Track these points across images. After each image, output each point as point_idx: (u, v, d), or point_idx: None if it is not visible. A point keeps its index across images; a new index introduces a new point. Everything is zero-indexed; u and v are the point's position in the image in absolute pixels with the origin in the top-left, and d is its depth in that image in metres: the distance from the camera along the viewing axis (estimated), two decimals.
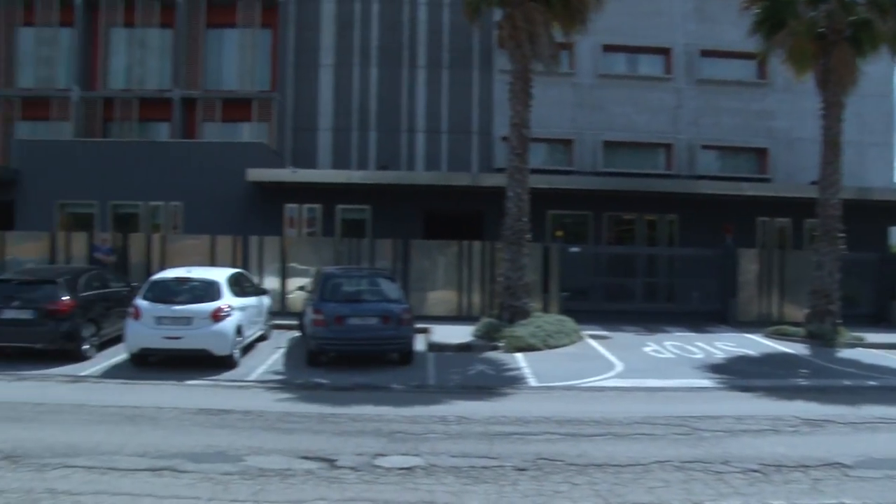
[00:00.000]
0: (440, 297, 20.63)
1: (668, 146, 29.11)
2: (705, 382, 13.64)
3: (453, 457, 8.44)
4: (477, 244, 20.91)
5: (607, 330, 18.91)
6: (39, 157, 25.32)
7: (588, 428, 9.94)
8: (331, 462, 8.14)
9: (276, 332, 17.73)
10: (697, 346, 17.34)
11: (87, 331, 14.72)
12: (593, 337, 18.02)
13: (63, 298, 14.26)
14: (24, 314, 14.17)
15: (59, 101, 29.32)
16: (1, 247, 20.87)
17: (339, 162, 28.55)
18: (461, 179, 24.96)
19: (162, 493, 7.13)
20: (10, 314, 14.16)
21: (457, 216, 26.44)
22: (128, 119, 29.35)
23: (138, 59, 29.91)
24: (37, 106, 29.51)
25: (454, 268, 20.66)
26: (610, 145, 28.92)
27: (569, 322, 17.83)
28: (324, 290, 14.70)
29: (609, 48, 28.94)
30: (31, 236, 21.69)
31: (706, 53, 29.12)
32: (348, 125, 29.07)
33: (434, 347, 16.39)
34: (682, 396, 12.48)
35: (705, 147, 29.15)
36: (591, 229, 26.29)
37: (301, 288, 18.53)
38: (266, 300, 17.28)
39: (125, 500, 6.95)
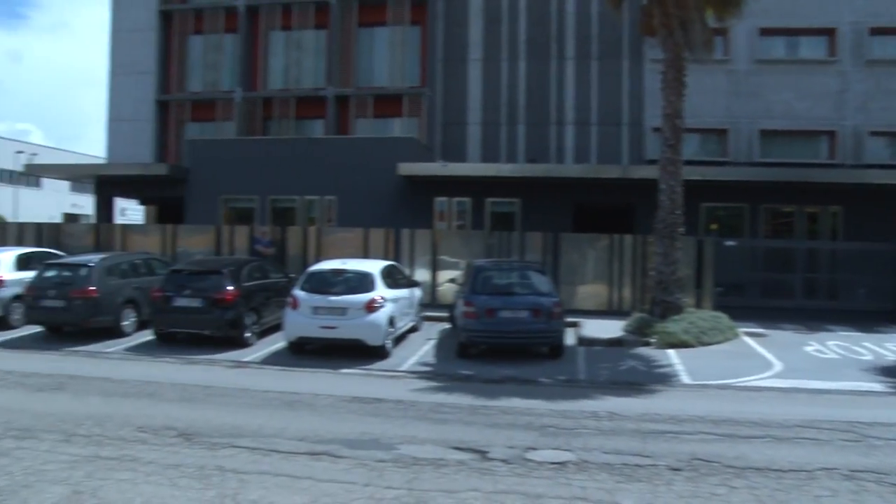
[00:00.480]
0: (590, 291, 20.30)
1: (831, 133, 27.36)
2: (875, 386, 12.66)
3: (606, 453, 8.26)
4: (628, 238, 20.42)
5: (764, 327, 17.98)
6: (206, 156, 26.81)
7: (745, 429, 9.48)
8: (482, 454, 8.14)
9: (426, 324, 17.94)
10: (865, 347, 16.18)
11: (249, 319, 15.47)
12: (749, 334, 17.19)
13: (228, 288, 15.05)
14: (194, 302, 15.08)
15: (223, 103, 30.94)
16: (173, 239, 22.26)
17: (489, 155, 28.63)
18: (611, 172, 24.45)
19: (320, 476, 7.34)
20: (181, 302, 15.13)
21: (607, 209, 25.97)
22: (285, 117, 30.57)
23: (295, 59, 31.08)
24: (204, 108, 31.28)
25: (604, 262, 20.28)
26: (767, 134, 27.51)
27: (724, 318, 17.11)
28: (475, 282, 14.74)
29: (767, 31, 27.49)
30: (198, 229, 23.02)
31: (876, 31, 27.07)
32: (497, 119, 29.09)
33: (584, 342, 16.15)
34: (849, 400, 11.65)
35: (874, 134, 27.17)
36: (747, 222, 25.14)
37: (452, 280, 18.71)
38: (417, 292, 17.54)
39: (286, 481, 7.20)
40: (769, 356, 14.89)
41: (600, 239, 20.53)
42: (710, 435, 9.19)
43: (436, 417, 9.91)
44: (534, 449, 8.38)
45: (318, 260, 18.89)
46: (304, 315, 14.15)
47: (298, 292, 14.48)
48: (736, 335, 16.80)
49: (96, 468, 7.48)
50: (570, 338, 15.96)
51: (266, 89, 31.23)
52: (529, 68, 29.09)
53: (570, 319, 16.75)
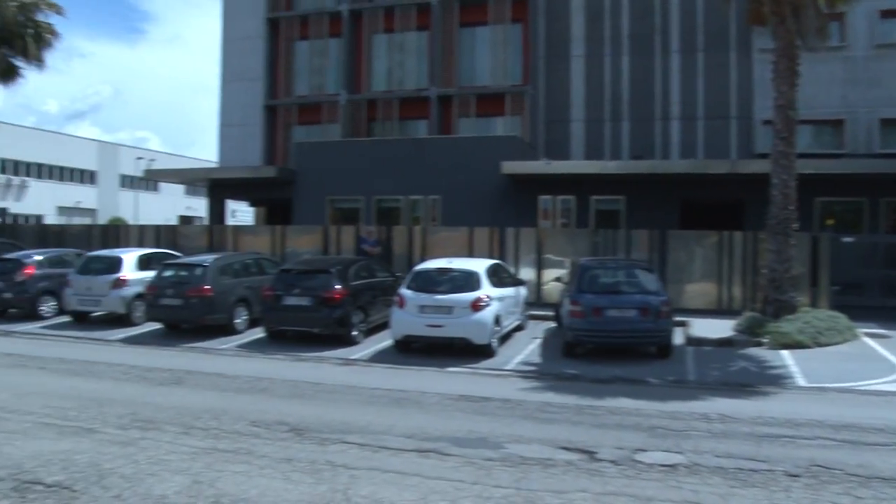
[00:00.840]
0: (698, 290, 19.80)
1: None
2: None
3: (718, 457, 8.03)
4: (738, 234, 19.80)
5: (886, 328, 17.10)
6: (312, 158, 27.49)
7: (869, 436, 9.02)
8: (591, 454, 8.06)
9: (532, 323, 17.88)
10: None
11: (356, 317, 15.76)
12: (870, 335, 16.37)
13: (336, 287, 15.38)
14: (303, 301, 15.49)
15: (328, 106, 31.66)
16: (282, 239, 22.91)
17: (592, 152, 28.34)
18: (719, 167, 23.80)
19: (429, 473, 7.41)
20: (291, 301, 15.56)
21: (715, 205, 25.29)
22: (389, 118, 31.04)
23: (398, 61, 31.51)
24: (310, 111, 32.10)
25: (713, 259, 19.73)
26: (889, 123, 26.19)
27: (842, 318, 16.36)
28: (581, 281, 14.60)
29: (888, 14, 26.14)
30: (306, 230, 23.62)
31: None
32: (600, 115, 28.77)
33: (692, 341, 15.78)
34: None
35: None
36: (866, 217, 24.04)
37: (557, 279, 18.60)
38: (523, 291, 17.51)
39: (395, 477, 7.30)
40: (893, 359, 14.18)
41: (709, 236, 20.00)
42: (830, 441, 8.79)
43: (542, 417, 9.87)
44: (643, 450, 8.25)
45: (423, 259, 19.07)
46: (411, 314, 14.32)
47: (405, 291, 14.67)
48: (855, 336, 16.06)
49: (214, 460, 7.76)
50: (678, 337, 15.60)
51: (370, 91, 31.77)
52: (633, 63, 28.64)
53: (678, 319, 16.39)
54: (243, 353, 15.14)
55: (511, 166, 24.34)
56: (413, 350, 14.85)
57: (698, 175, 23.82)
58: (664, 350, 14.24)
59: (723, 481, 7.28)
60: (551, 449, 8.25)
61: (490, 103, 29.86)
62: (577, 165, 25.75)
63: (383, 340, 15.70)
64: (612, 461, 7.85)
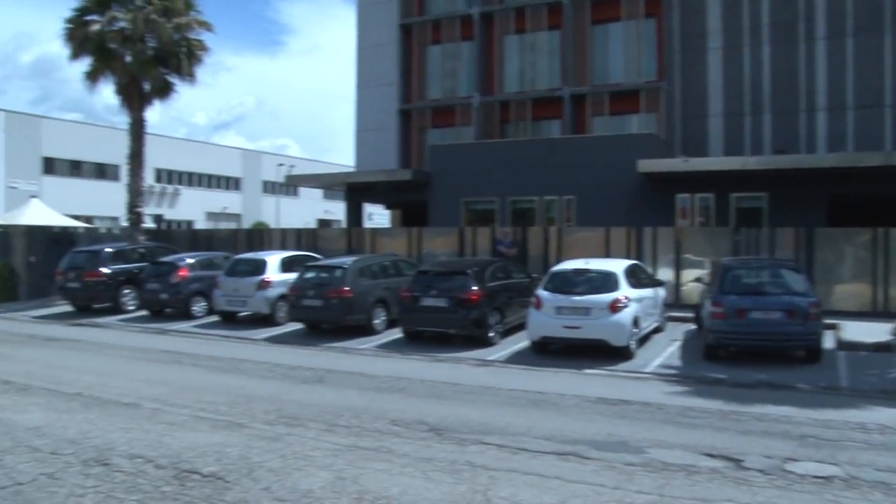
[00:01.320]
0: (849, 291, 18.77)
1: None
2: None
3: (879, 470, 7.54)
4: (894, 231, 18.66)
5: None
6: (447, 160, 27.82)
7: None
8: (737, 462, 7.79)
9: (670, 325, 17.49)
10: None
11: (492, 318, 15.84)
12: None
13: (473, 288, 15.52)
14: (440, 302, 15.70)
15: (461, 108, 31.97)
16: (418, 241, 23.32)
17: (732, 148, 27.40)
18: (872, 159, 22.43)
19: (569, 477, 7.36)
20: (428, 302, 15.81)
21: (867, 201, 23.91)
22: (522, 119, 31.02)
23: (529, 62, 31.46)
24: (444, 114, 32.50)
25: (866, 258, 18.65)
26: None
27: None
28: (723, 281, 14.12)
29: None
30: (441, 232, 23.95)
31: None
32: (740, 109, 27.78)
33: (844, 345, 14.97)
34: None
35: None
36: None
37: (697, 279, 18.09)
38: (661, 292, 17.14)
39: (535, 480, 7.27)
40: None
41: (861, 233, 18.92)
42: None
43: (684, 422, 9.62)
44: (793, 460, 7.89)
45: (559, 260, 18.98)
46: (548, 315, 14.28)
47: (542, 292, 14.63)
48: None
49: (356, 457, 7.94)
50: (828, 341, 14.85)
51: (502, 93, 31.87)
52: (774, 53, 27.49)
53: (827, 321, 15.61)
54: (382, 353, 15.49)
55: (647, 164, 23.85)
56: (549, 351, 14.81)
57: (848, 168, 22.56)
58: (813, 354, 13.57)
59: (885, 498, 6.82)
60: (694, 455, 8.04)
61: (624, 101, 29.36)
62: (716, 162, 24.92)
63: (520, 342, 15.72)
64: (759, 470, 7.55)
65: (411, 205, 31.31)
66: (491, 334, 15.76)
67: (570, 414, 10.11)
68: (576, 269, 15.12)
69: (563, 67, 30.46)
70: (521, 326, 15.97)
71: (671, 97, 28.49)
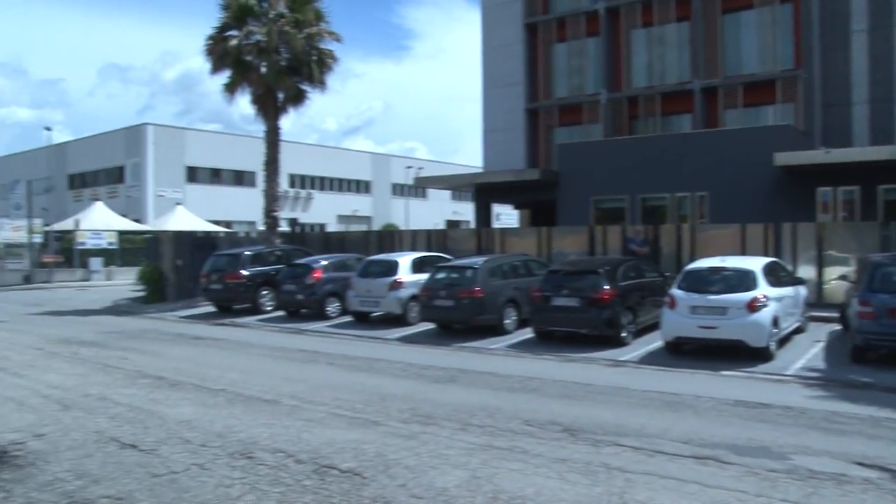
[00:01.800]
0: None
1: None
2: None
3: None
4: None
5: None
6: (575, 159, 27.59)
7: None
8: (893, 473, 7.38)
9: (812, 325, 16.70)
10: None
11: (625, 318, 15.57)
12: None
13: (605, 288, 15.32)
14: (572, 302, 15.58)
15: (589, 106, 31.63)
16: (548, 240, 23.20)
17: (879, 137, 25.85)
18: None
19: (708, 482, 7.15)
20: (559, 301, 15.73)
21: None
22: (651, 115, 30.41)
23: (658, 55, 30.80)
24: (571, 112, 32.26)
25: None
26: None
27: None
28: (872, 279, 13.25)
29: None
30: (571, 230, 23.74)
31: None
32: (888, 94, 26.20)
33: None
34: None
35: None
36: None
37: (842, 277, 17.21)
38: (802, 291, 16.36)
39: (672, 483, 7.11)
40: None
41: None
42: None
43: (831, 428, 9.16)
44: None
45: (692, 258, 18.44)
46: (682, 314, 13.90)
47: (676, 291, 14.26)
48: None
49: (490, 457, 7.95)
50: None
51: (630, 88, 31.33)
52: None
53: None
54: (513, 353, 15.47)
55: (785, 157, 22.87)
56: (684, 352, 14.43)
57: None
58: None
59: None
60: (844, 463, 7.64)
61: (758, 92, 28.26)
62: (861, 153, 23.59)
63: (653, 342, 15.38)
64: None
65: (540, 204, 31.21)
66: (623, 334, 15.50)
67: (707, 417, 9.83)
68: (711, 268, 14.65)
69: (692, 60, 29.63)
70: (654, 326, 15.63)
71: (810, 85, 27.19)
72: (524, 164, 32.61)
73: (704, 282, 14.17)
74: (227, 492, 6.96)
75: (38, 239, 40.43)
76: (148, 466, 7.75)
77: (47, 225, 43.78)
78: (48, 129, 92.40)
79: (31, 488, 7.18)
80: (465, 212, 63.23)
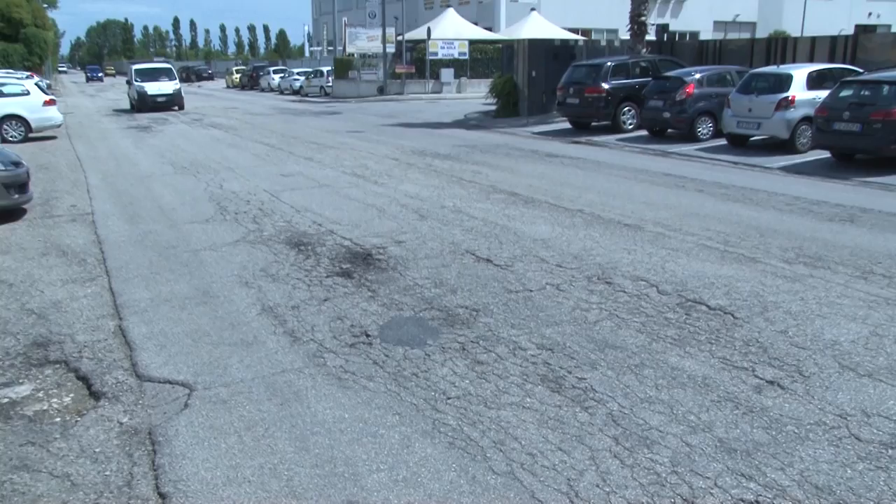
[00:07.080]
0: None
1: None
2: None
3: None
4: None
5: None
6: None
7: None
8: None
9: None
10: None
11: None
12: None
13: None
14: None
15: None
16: None
17: None
18: None
19: None
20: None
21: None
22: None
23: None
24: None
25: None
26: None
27: None
28: None
29: None
30: None
31: None
32: None
33: None
34: None
35: None
36: None
37: None
38: None
39: None
40: None
41: None
42: None
43: None
44: None
45: None
46: None
47: None
48: None
49: None
50: None
51: None
52: None
53: None
54: None
55: None
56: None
57: None
58: None
59: None
60: None
61: None
62: None
63: None
64: None
65: None
66: None
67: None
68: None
69: None
70: None
71: None
72: None
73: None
74: (583, 315, 6.60)
75: (391, 49, 41.41)
76: (503, 281, 7.62)
77: (399, 35, 44.62)
78: None
79: (393, 290, 7.41)
80: (886, 12, 53.91)
